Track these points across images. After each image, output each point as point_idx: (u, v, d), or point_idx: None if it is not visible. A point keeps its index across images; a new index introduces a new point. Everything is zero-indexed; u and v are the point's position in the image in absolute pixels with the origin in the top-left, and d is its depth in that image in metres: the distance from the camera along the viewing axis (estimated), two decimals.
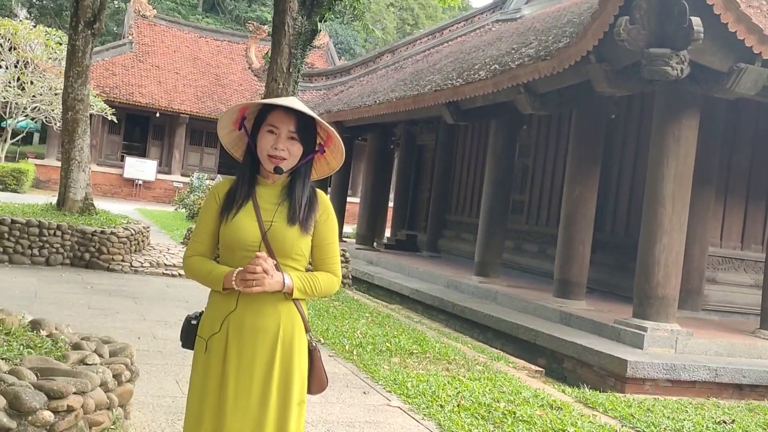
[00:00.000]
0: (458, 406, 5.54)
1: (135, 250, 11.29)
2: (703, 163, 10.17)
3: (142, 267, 10.83)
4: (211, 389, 2.51)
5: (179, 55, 35.36)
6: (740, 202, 11.60)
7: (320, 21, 11.69)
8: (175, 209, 24.90)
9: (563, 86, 10.47)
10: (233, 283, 2.47)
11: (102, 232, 10.50)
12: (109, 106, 26.75)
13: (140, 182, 31.89)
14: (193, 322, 2.66)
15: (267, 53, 13.17)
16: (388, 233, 20.93)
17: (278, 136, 2.53)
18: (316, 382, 2.64)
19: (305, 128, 2.57)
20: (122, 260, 10.68)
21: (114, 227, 10.83)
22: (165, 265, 11.13)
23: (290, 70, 11.76)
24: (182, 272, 11.03)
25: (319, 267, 2.64)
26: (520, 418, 5.38)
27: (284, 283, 2.46)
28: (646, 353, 8.61)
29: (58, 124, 26.93)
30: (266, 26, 29.98)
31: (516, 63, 10.98)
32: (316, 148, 2.65)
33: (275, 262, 2.48)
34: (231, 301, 2.53)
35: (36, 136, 41.20)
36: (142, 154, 33.60)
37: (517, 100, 11.22)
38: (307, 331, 2.61)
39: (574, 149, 11.24)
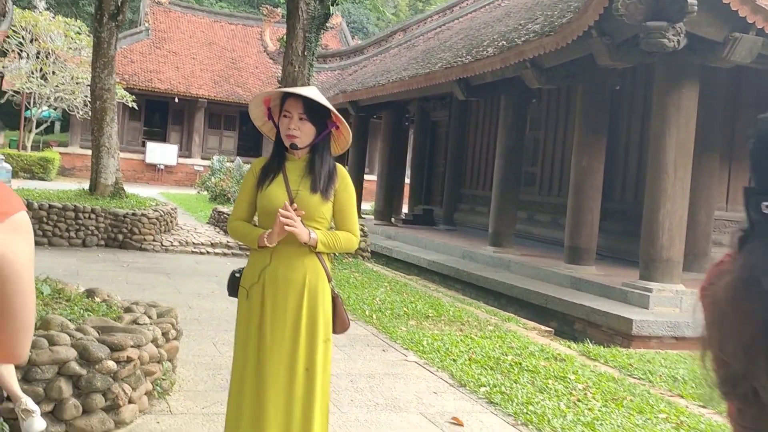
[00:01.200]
0: (469, 359, 6.07)
1: (164, 231, 11.91)
2: (707, 130, 10.57)
3: (172, 246, 11.44)
4: (253, 329, 3.05)
5: (195, 40, 35.87)
6: (745, 166, 11.96)
7: (333, 5, 12.12)
8: (198, 192, 25.55)
9: (568, 60, 10.86)
10: (265, 240, 3.00)
11: (133, 214, 11.11)
12: (129, 93, 27.34)
13: (162, 167, 32.58)
14: (237, 275, 3.20)
15: (282, 37, 13.63)
16: (405, 209, 21.43)
17: (291, 119, 3.05)
18: (339, 323, 3.17)
19: (312, 110, 3.07)
20: (153, 240, 11.29)
21: (144, 209, 11.43)
22: (193, 243, 11.74)
23: (305, 53, 12.22)
24: (210, 250, 11.64)
25: (340, 228, 3.17)
26: (526, 368, 5.91)
27: (309, 235, 2.99)
28: (652, 312, 9.08)
29: (81, 113, 27.63)
30: (279, 9, 30.43)
31: (522, 39, 11.38)
32: (329, 126, 3.15)
33: (302, 216, 3.01)
34: (266, 256, 3.07)
35: (57, 125, 41.99)
36: (163, 139, 34.25)
37: (524, 75, 11.64)
38: (329, 281, 3.14)
39: (581, 120, 11.65)
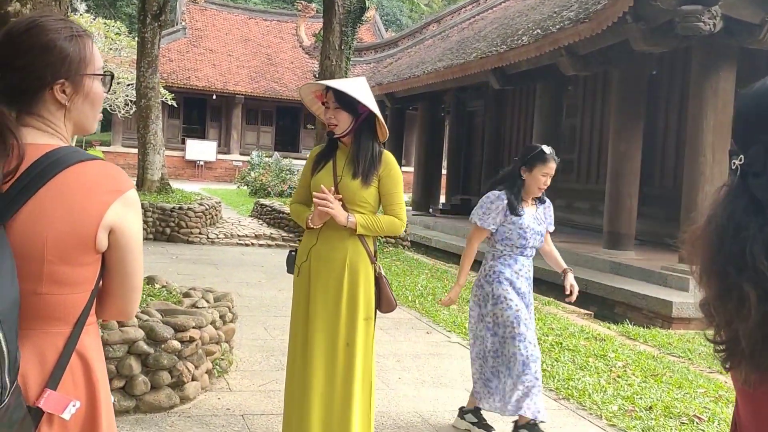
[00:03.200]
0: None
1: (210, 224, 12.26)
2: None
3: (218, 238, 11.78)
4: (302, 304, 3.29)
5: (231, 37, 36.35)
6: None
7: None
8: (238, 187, 25.99)
9: (603, 46, 10.91)
10: (310, 222, 3.23)
11: (180, 208, 11.47)
12: (168, 92, 27.86)
13: (201, 163, 33.14)
14: (293, 253, 3.43)
15: (318, 32, 13.87)
16: (442, 199, 21.57)
17: (328, 109, 3.27)
18: (385, 302, 3.38)
19: (343, 99, 3.24)
20: (199, 233, 11.65)
21: (190, 203, 11.79)
22: (238, 236, 12.08)
23: (342, 47, 12.46)
24: (254, 241, 11.98)
25: (386, 212, 3.37)
26: (567, 347, 6.08)
27: (348, 218, 3.20)
28: (692, 295, 9.14)
29: (122, 112, 28.23)
30: (314, 4, 30.69)
31: (557, 27, 11.46)
32: (362, 113, 3.27)
33: (340, 200, 3.21)
34: (313, 237, 3.31)
35: (98, 125, 42.88)
36: (202, 136, 34.82)
37: (559, 62, 11.72)
38: (372, 262, 3.33)
39: (618, 106, 11.69)
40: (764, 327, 1.10)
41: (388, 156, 3.37)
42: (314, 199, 3.18)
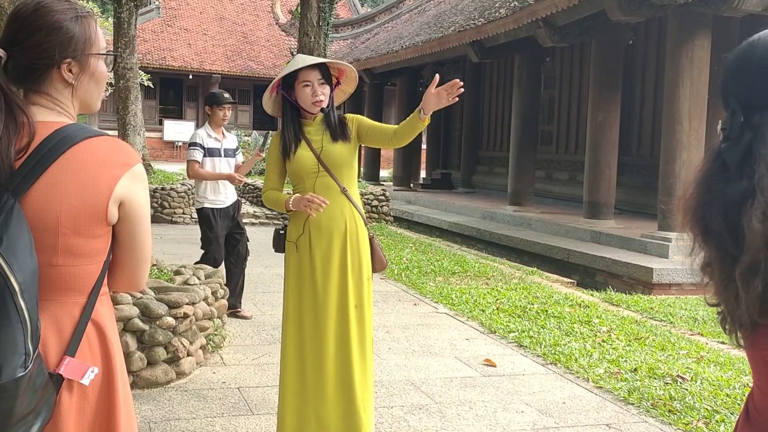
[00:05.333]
0: (497, 309, 6.38)
1: (192, 204, 12.24)
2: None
3: None
4: (306, 276, 3.35)
5: (205, 16, 35.97)
6: None
7: None
8: None
9: (580, 17, 10.99)
10: (290, 205, 3.29)
11: (162, 189, 11.45)
12: (144, 72, 27.58)
13: (180, 144, 32.91)
14: (281, 232, 3.49)
15: (296, 9, 13.81)
16: (423, 174, 21.65)
17: (313, 86, 3.34)
18: (377, 261, 3.49)
19: (326, 73, 3.41)
20: (183, 213, 11.66)
21: (172, 184, 11.77)
22: None
23: (320, 24, 12.43)
24: None
25: (384, 130, 3.43)
26: (552, 314, 6.21)
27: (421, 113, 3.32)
28: (671, 261, 9.32)
29: None
30: None
31: None
32: (335, 84, 3.48)
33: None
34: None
35: None
36: (179, 116, 34.56)
37: (537, 34, 11.78)
38: (365, 225, 3.44)
39: (595, 77, 11.79)
40: (730, 288, 1.19)
41: (347, 115, 3.54)
42: (306, 202, 3.22)
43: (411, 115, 3.34)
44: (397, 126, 3.40)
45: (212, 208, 5.96)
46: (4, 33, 1.54)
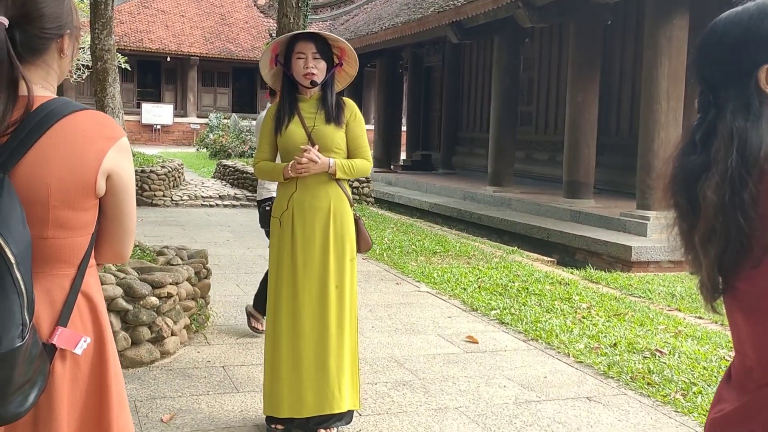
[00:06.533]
0: (479, 287, 6.44)
1: (173, 186, 12.21)
2: None
3: (182, 200, 11.75)
4: (286, 253, 3.37)
5: None
6: None
7: None
8: (197, 150, 25.72)
9: None
10: (289, 171, 3.31)
11: (142, 171, 11.39)
12: (121, 55, 27.25)
13: (158, 127, 32.65)
14: (267, 208, 3.51)
15: None
16: (403, 155, 21.67)
17: (306, 59, 3.33)
18: (363, 241, 3.51)
19: (323, 48, 3.36)
20: (163, 195, 11.60)
21: (152, 166, 11.71)
22: (202, 197, 12.05)
23: (299, 5, 12.30)
24: (219, 202, 11.96)
25: (354, 156, 3.46)
26: (533, 292, 6.29)
27: (329, 164, 3.29)
28: (649, 240, 9.44)
29: (74, 77, 27.60)
30: None
31: None
32: (335, 63, 3.43)
33: (318, 147, 3.31)
34: (292, 186, 3.38)
35: None
36: (157, 99, 34.22)
37: (516, 14, 11.80)
38: (351, 206, 3.45)
39: (574, 57, 11.84)
40: (694, 254, 1.28)
41: (350, 101, 3.52)
42: (299, 157, 3.25)
43: (346, 162, 3.38)
44: (355, 159, 3.43)
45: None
46: (9, 7, 1.51)
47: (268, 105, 4.56)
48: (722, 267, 1.24)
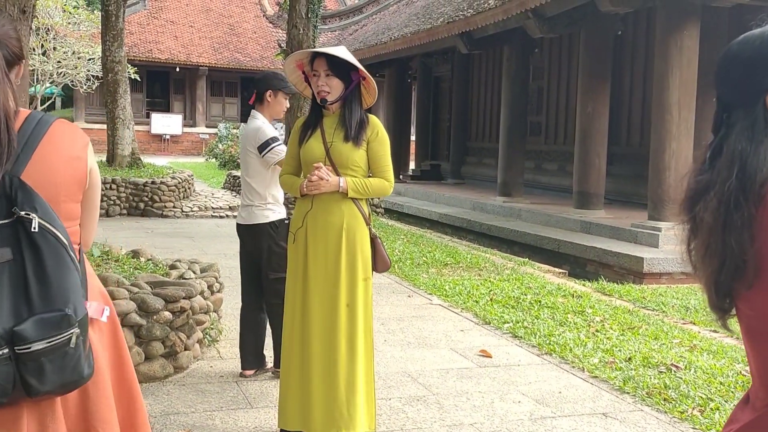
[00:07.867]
0: (491, 300, 6.41)
1: (183, 197, 12.23)
2: (709, 70, 10.74)
3: (192, 211, 11.77)
4: (299, 270, 3.36)
5: (192, 8, 35.74)
6: None
7: None
8: (206, 159, 25.78)
9: (570, 8, 11.01)
10: (304, 189, 3.30)
11: (153, 183, 11.41)
12: (130, 65, 27.38)
13: (168, 137, 32.79)
14: (286, 221, 3.50)
15: (284, 1, 13.74)
16: (412, 165, 21.66)
17: (319, 77, 3.32)
18: (380, 262, 3.47)
19: (336, 66, 3.33)
20: (173, 206, 11.62)
21: (162, 177, 11.73)
22: (212, 208, 12.07)
23: (309, 15, 12.38)
24: (229, 213, 11.98)
25: (375, 175, 3.45)
26: (545, 305, 6.25)
27: (339, 183, 3.27)
28: (661, 251, 9.38)
29: (85, 87, 27.74)
30: None
31: None
32: (354, 80, 3.39)
33: (330, 169, 3.29)
34: (308, 203, 3.37)
35: (58, 101, 42.01)
36: (166, 109, 34.37)
37: (526, 25, 11.79)
38: (367, 224, 3.42)
39: (584, 67, 11.83)
40: (707, 277, 1.29)
41: (375, 119, 3.47)
42: (310, 176, 3.25)
43: (360, 182, 3.36)
44: (372, 179, 3.42)
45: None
46: None
47: (253, 112, 4.53)
48: (719, 287, 1.27)
